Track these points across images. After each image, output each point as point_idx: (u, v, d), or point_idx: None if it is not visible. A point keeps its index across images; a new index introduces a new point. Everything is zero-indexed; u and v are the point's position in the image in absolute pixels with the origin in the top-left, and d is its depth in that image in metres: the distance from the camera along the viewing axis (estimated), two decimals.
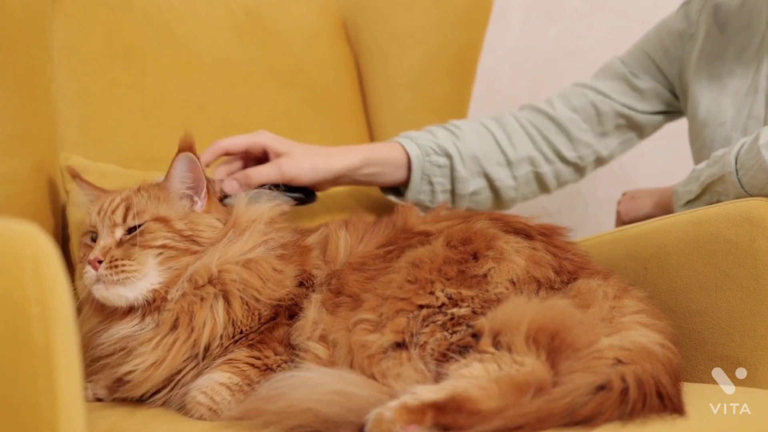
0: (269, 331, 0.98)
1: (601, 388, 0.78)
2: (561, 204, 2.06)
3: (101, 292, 0.97)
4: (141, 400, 0.99)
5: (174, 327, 0.96)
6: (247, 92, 1.50)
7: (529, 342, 0.83)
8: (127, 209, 1.00)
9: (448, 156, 1.33)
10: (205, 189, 1.05)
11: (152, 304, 0.98)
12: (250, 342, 0.98)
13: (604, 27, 2.05)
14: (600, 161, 1.46)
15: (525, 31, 2.08)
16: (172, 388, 0.97)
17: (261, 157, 1.24)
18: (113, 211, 1.00)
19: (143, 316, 0.98)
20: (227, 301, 0.97)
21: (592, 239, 1.25)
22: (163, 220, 1.01)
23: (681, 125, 1.55)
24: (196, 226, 1.02)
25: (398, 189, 1.36)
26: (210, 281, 0.98)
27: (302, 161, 1.21)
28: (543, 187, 1.44)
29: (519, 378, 0.79)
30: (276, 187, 1.16)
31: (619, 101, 1.42)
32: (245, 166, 1.23)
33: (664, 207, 1.43)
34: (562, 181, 1.45)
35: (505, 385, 0.78)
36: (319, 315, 0.97)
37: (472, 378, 0.80)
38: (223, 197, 1.15)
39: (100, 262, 0.96)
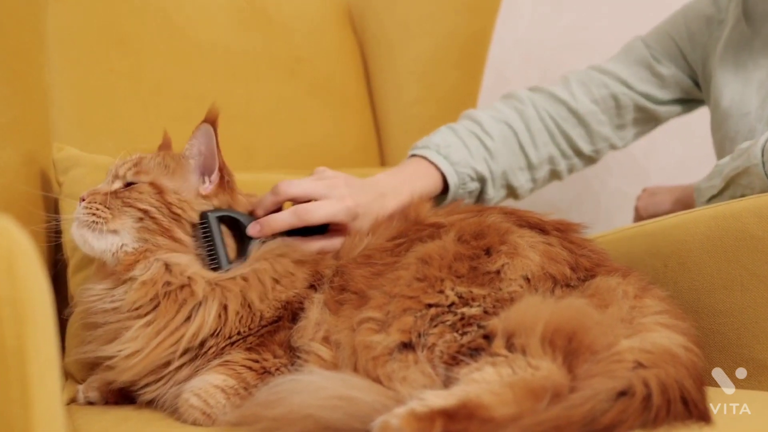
0: (270, 334, 0.94)
1: (623, 393, 0.74)
2: (572, 199, 2.03)
3: (73, 231, 0.98)
4: (134, 392, 0.96)
5: (150, 321, 0.93)
6: (248, 82, 1.48)
7: (545, 344, 0.79)
8: (135, 166, 1.00)
9: (482, 181, 1.29)
10: (216, 171, 1.01)
11: (121, 271, 0.95)
12: (249, 345, 0.94)
13: (615, 17, 2.02)
14: (613, 149, 1.43)
15: (534, 21, 2.05)
16: (165, 383, 0.94)
17: None
18: (123, 164, 1.01)
19: (115, 284, 0.96)
20: (221, 306, 0.94)
21: (608, 235, 1.20)
22: (157, 188, 0.98)
23: (694, 118, 1.52)
24: (189, 210, 0.98)
25: None
26: (183, 285, 0.94)
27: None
28: (555, 178, 1.41)
29: (534, 383, 0.75)
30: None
31: (639, 90, 1.38)
32: None
33: (684, 204, 1.40)
34: (574, 172, 1.43)
35: (519, 390, 0.74)
36: (321, 315, 0.93)
37: (484, 383, 0.76)
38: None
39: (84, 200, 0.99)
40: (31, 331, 0.55)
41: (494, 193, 1.31)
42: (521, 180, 1.34)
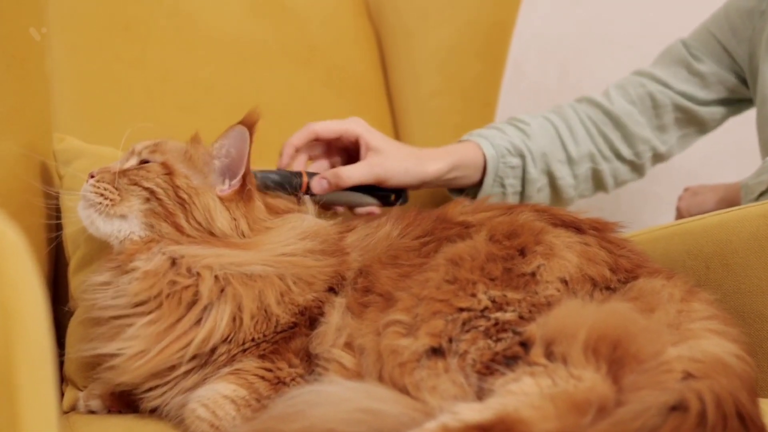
0: (285, 342, 0.89)
1: (675, 408, 0.67)
2: (590, 197, 1.97)
3: (79, 209, 0.96)
4: (137, 397, 0.91)
5: (153, 320, 0.87)
6: (260, 72, 1.43)
7: (588, 353, 0.73)
8: (154, 145, 0.99)
9: (522, 156, 1.27)
10: (239, 177, 0.95)
11: (124, 260, 0.91)
12: (262, 352, 0.88)
13: (634, 10, 1.96)
14: (658, 157, 1.38)
15: (552, 14, 2.00)
16: (170, 389, 0.89)
17: (349, 147, 1.19)
18: (143, 143, 1.00)
19: (118, 275, 0.91)
20: (236, 308, 0.88)
21: (642, 234, 1.15)
22: (168, 169, 0.95)
23: None
24: (196, 198, 0.93)
25: (463, 190, 1.30)
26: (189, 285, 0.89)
27: (395, 163, 1.16)
28: (599, 185, 1.37)
29: (578, 395, 0.69)
30: (365, 187, 1.15)
31: (678, 89, 1.34)
32: (328, 154, 1.20)
33: (729, 203, 1.35)
34: (620, 181, 1.38)
35: (561, 403, 0.68)
36: (343, 320, 0.87)
37: (522, 395, 0.70)
38: (308, 192, 1.11)
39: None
40: (22, 339, 0.49)
41: (536, 174, 1.29)
42: (563, 173, 1.31)
